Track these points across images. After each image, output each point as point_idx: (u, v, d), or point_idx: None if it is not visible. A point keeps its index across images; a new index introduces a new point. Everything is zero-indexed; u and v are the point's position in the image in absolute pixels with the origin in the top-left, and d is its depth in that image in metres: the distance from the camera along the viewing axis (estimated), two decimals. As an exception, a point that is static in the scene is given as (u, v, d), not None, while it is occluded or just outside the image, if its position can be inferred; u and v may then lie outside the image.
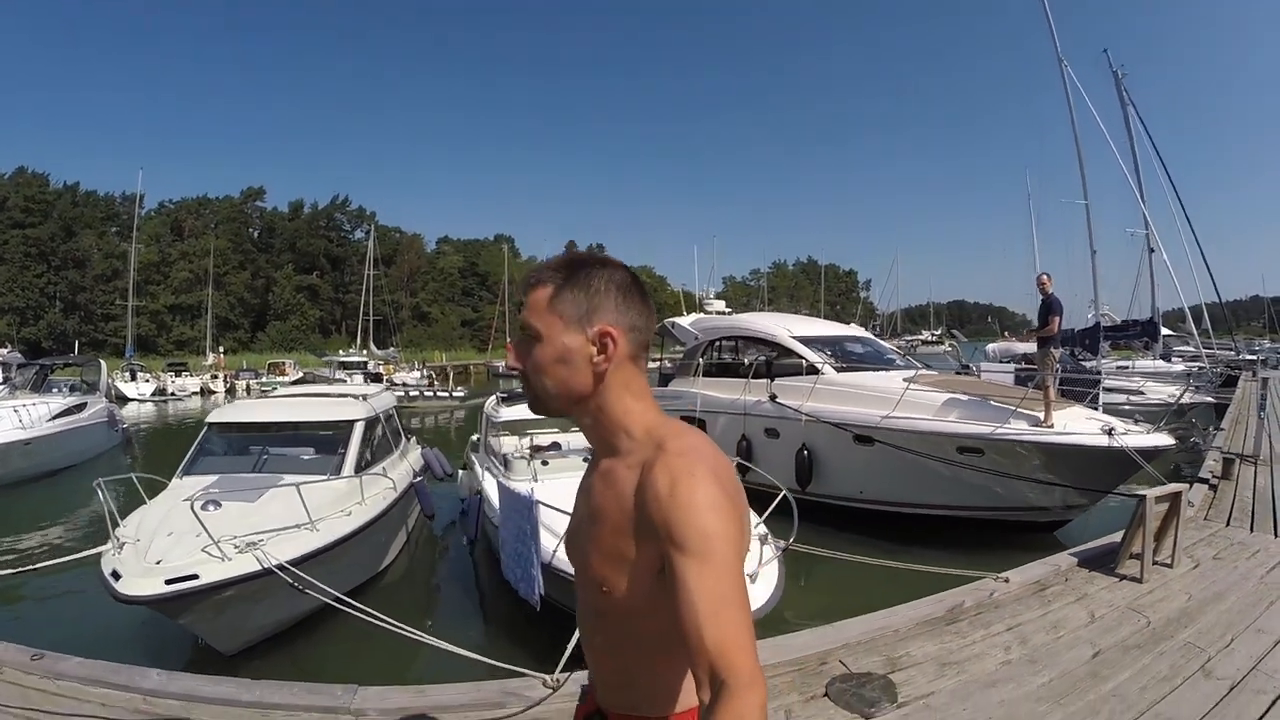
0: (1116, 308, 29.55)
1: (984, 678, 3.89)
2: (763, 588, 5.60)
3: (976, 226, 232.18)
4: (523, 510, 6.18)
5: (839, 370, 12.38)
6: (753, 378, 13.10)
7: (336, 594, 5.83)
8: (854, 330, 16.45)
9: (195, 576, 5.82)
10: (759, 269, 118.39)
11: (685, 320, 18.60)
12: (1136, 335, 21.07)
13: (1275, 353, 34.90)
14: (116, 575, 5.89)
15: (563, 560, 6.04)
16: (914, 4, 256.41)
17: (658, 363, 18.34)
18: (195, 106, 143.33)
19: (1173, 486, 6.03)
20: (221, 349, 62.51)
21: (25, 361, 27.08)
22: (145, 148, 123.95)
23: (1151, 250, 25.60)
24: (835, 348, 13.46)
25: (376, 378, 50.80)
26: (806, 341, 13.15)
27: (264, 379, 51.09)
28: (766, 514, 6.54)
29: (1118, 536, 6.05)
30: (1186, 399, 15.71)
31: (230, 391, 48.59)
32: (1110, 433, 9.00)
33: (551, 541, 5.95)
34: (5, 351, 36.37)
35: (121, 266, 74.49)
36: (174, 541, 6.31)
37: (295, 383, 47.69)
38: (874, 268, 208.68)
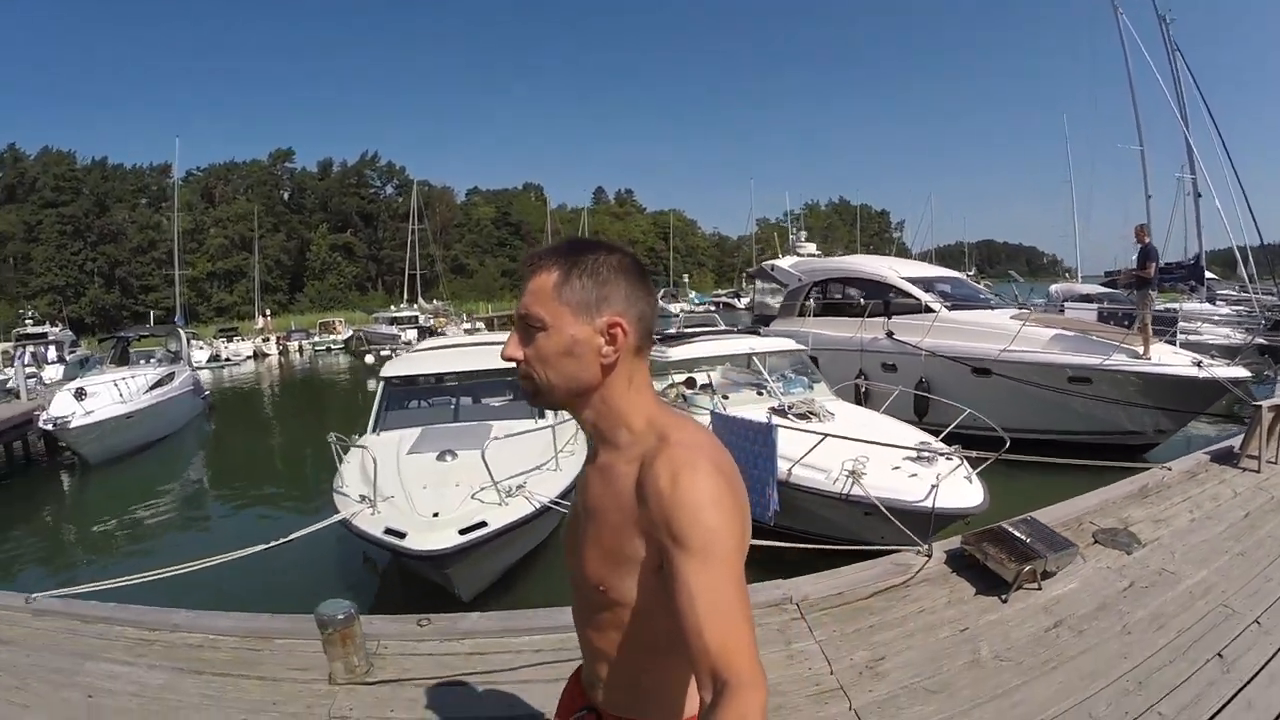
0: (1161, 250, 30.22)
1: (1184, 529, 5.34)
2: (976, 490, 6.77)
3: (1006, 165, 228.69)
4: (757, 435, 7.14)
5: (950, 309, 13.65)
6: (869, 316, 14.27)
7: None
8: (949, 272, 17.49)
9: (485, 524, 6.08)
10: (792, 210, 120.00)
11: (785, 262, 19.81)
12: (1183, 279, 22.17)
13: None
14: (398, 534, 6.03)
15: (798, 476, 7.23)
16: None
17: (745, 303, 19.63)
18: (215, 71, 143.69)
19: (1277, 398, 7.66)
20: (268, 311, 63.61)
21: (106, 336, 28.38)
22: (168, 116, 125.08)
23: (1199, 195, 26.20)
24: (939, 288, 14.64)
25: (429, 332, 52.12)
26: (915, 282, 14.37)
27: (315, 338, 52.57)
28: (946, 433, 7.90)
29: (1231, 443, 7.57)
30: (1238, 340, 16.87)
31: (284, 353, 49.53)
32: (1200, 365, 10.40)
33: (784, 464, 7.12)
34: (57, 330, 38.57)
35: (158, 237, 75.17)
36: (435, 494, 6.56)
37: (347, 341, 49.12)
38: (905, 208, 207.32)
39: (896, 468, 7.08)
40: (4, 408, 19.04)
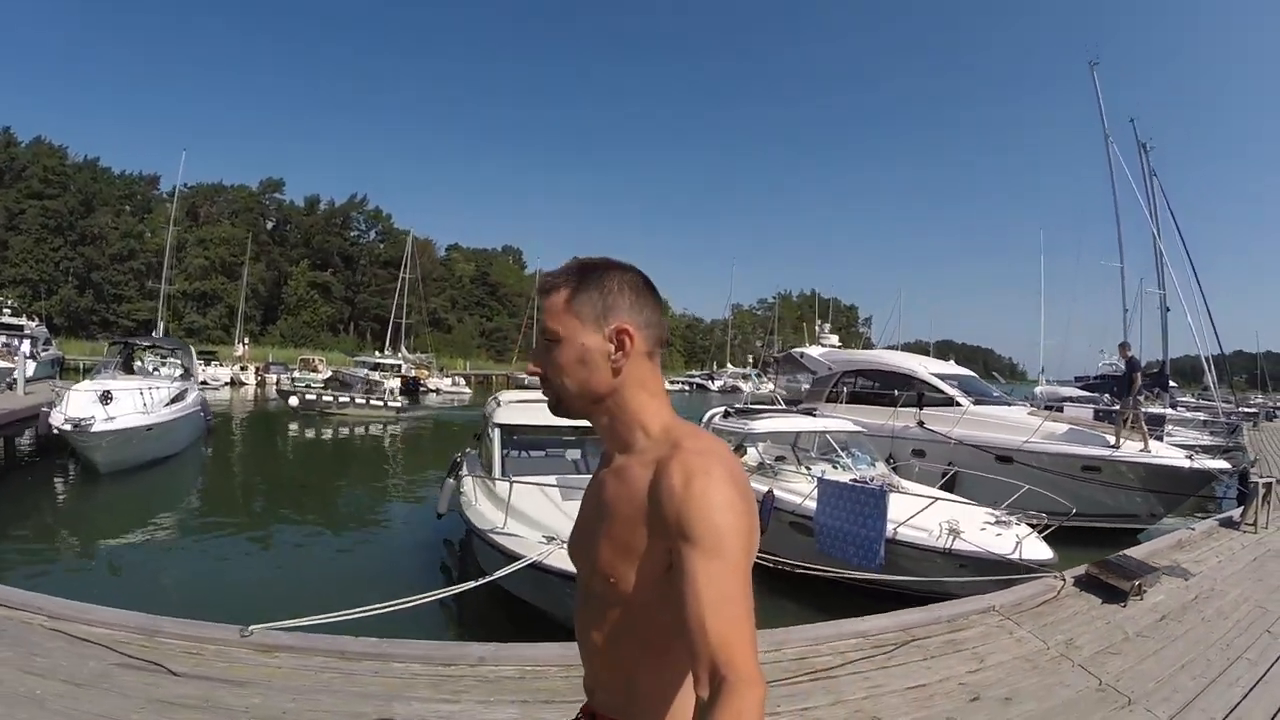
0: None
1: (1215, 566, 7.51)
2: (1046, 548, 8.32)
3: (973, 270, 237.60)
4: (869, 498, 8.81)
5: (974, 404, 15.60)
6: (901, 407, 16.20)
7: None
8: (965, 371, 19.31)
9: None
10: (765, 298, 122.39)
11: (815, 351, 21.99)
12: (1148, 385, 24.35)
13: (1268, 406, 39.85)
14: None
15: (904, 534, 8.73)
16: (946, 46, 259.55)
17: (771, 386, 21.32)
18: (213, 96, 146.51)
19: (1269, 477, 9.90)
20: (246, 341, 63.72)
21: (117, 340, 27.37)
22: (164, 129, 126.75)
23: (1167, 309, 28.63)
24: (960, 384, 16.65)
25: (413, 382, 52.36)
26: (941, 378, 16.45)
27: (295, 374, 51.07)
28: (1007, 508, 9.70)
29: (1231, 514, 9.92)
30: (1206, 441, 19.23)
31: (261, 385, 49.49)
32: (1191, 458, 12.62)
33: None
34: (34, 325, 37.86)
35: (138, 247, 75.82)
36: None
37: (327, 381, 49.78)
38: (873, 303, 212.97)
39: (983, 530, 8.78)
40: (6, 398, 18.86)
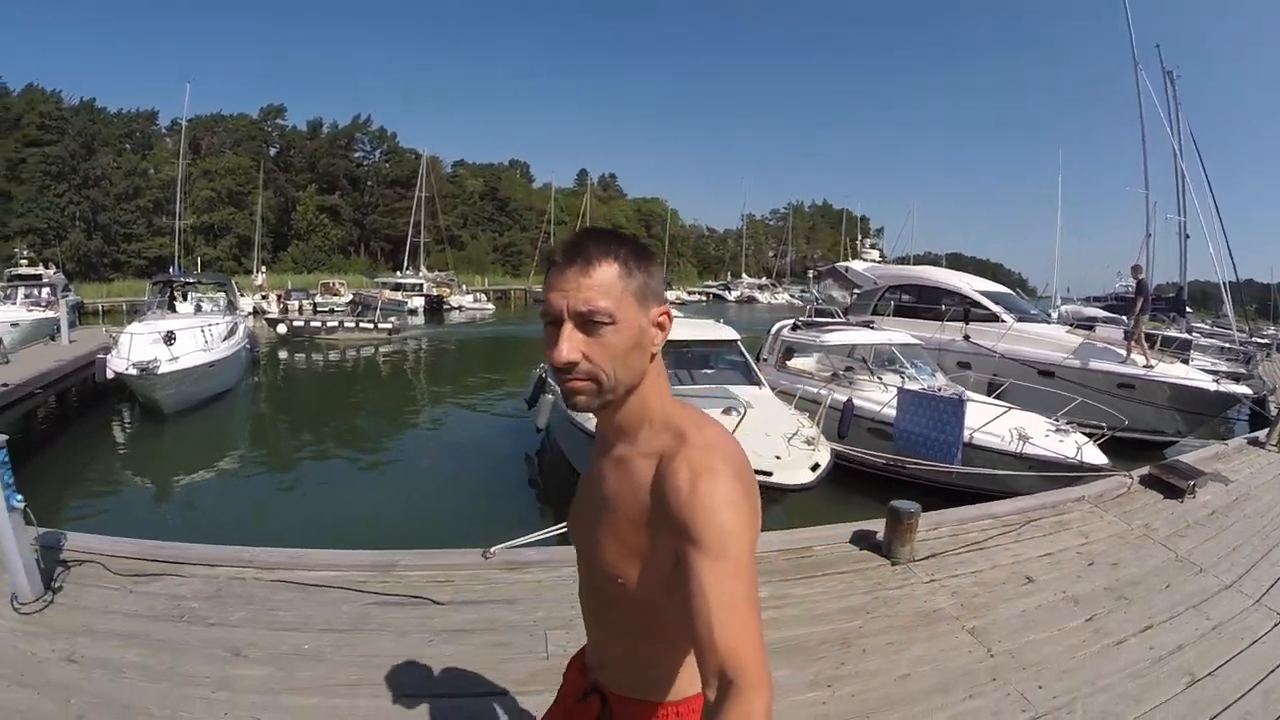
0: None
1: (1249, 475, 8.49)
2: (1101, 454, 9.58)
3: (977, 183, 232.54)
4: (948, 406, 10.03)
5: (1017, 320, 16.90)
6: (948, 321, 17.52)
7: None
8: (1005, 289, 20.32)
9: (818, 465, 7.94)
10: (777, 209, 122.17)
11: (860, 266, 23.14)
12: (1164, 310, 25.24)
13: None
14: (765, 473, 7.28)
15: (979, 439, 9.99)
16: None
17: (786, 296, 22.44)
18: (208, 19, 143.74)
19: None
20: (263, 269, 64.14)
21: (159, 278, 27.03)
22: (157, 63, 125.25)
23: (1187, 236, 29.63)
24: (1003, 301, 17.89)
25: (436, 301, 53.40)
26: (986, 295, 17.67)
27: (317, 299, 51.63)
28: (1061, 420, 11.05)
29: (1258, 434, 10.75)
30: (1224, 368, 20.22)
31: (284, 311, 48.53)
32: (1217, 380, 13.97)
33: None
34: (50, 273, 38.92)
35: (143, 185, 75.98)
36: (758, 442, 7.75)
37: (350, 303, 50.45)
38: (884, 213, 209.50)
39: (1047, 436, 10.08)
40: (52, 349, 19.07)
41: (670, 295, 57.35)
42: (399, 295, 52.38)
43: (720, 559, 1.20)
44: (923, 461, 9.88)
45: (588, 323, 1.30)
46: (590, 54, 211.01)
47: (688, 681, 1.48)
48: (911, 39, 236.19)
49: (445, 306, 55.14)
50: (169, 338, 16.11)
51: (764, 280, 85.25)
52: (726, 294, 69.96)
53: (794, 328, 15.16)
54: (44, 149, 72.11)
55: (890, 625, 4.36)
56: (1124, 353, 14.94)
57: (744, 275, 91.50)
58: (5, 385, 12.99)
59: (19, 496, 4.44)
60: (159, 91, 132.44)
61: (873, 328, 15.53)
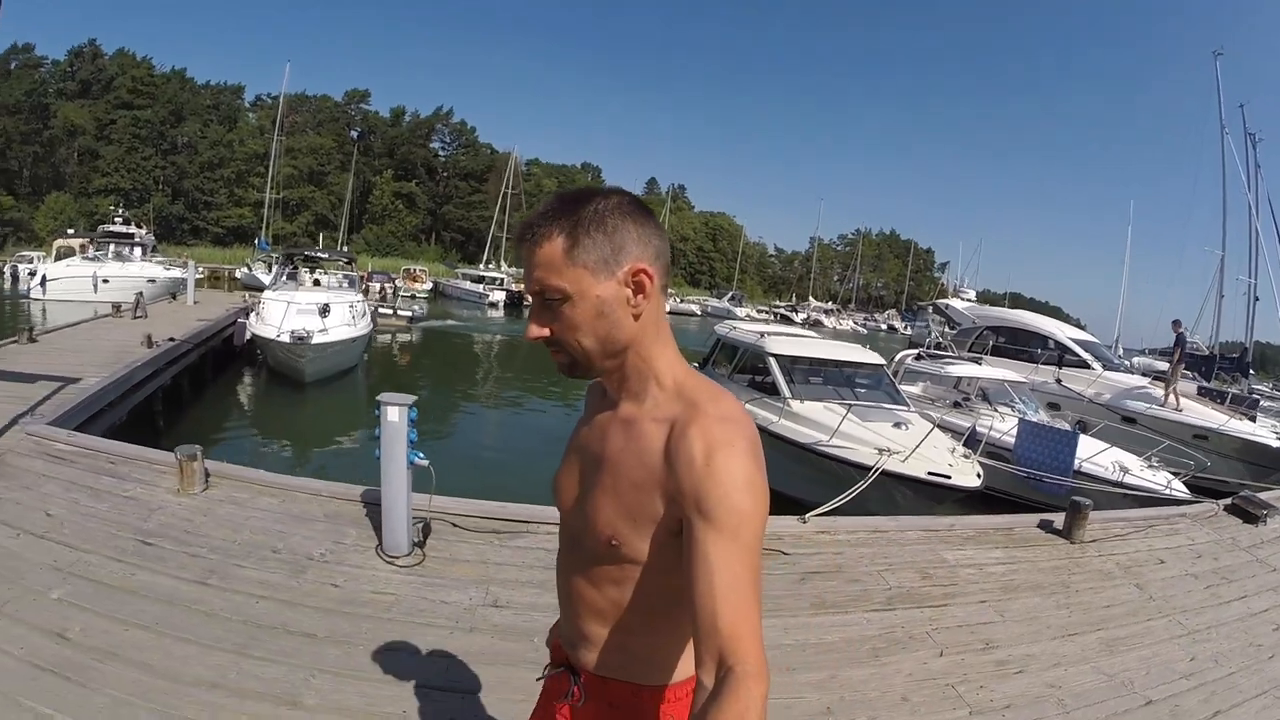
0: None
1: None
2: (1184, 489, 11.53)
3: (1041, 225, 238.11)
4: (1062, 437, 11.78)
5: (1104, 369, 19.02)
6: (1043, 364, 19.53)
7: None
8: (1094, 338, 22.27)
9: (980, 474, 9.89)
10: (844, 234, 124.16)
11: (960, 304, 25.16)
12: (1228, 369, 27.00)
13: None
14: (944, 475, 9.31)
15: (1087, 468, 11.53)
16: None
17: (851, 324, 24.41)
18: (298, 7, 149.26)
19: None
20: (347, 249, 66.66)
21: (290, 251, 27.66)
22: (241, 39, 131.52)
23: (1256, 299, 30.95)
24: (1092, 350, 19.80)
25: (516, 296, 54.46)
26: (1078, 343, 19.59)
27: (399, 284, 52.24)
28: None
29: None
30: None
31: (366, 294, 51.74)
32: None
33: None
34: (142, 233, 40.34)
35: (228, 155, 79.41)
36: (937, 450, 9.78)
37: (431, 292, 52.05)
38: (947, 246, 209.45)
39: (1142, 471, 11.95)
40: (178, 309, 20.89)
41: (740, 312, 59.60)
42: (479, 288, 54.54)
43: (732, 540, 1.19)
44: (1048, 477, 11.43)
45: (544, 301, 1.34)
46: (664, 62, 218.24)
47: (672, 666, 1.48)
48: (986, 70, 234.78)
49: (525, 303, 55.98)
50: (324, 310, 16.99)
51: (830, 305, 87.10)
52: (793, 315, 72.07)
53: (917, 358, 17.10)
54: (134, 112, 75.92)
55: (1087, 576, 6.38)
56: (1198, 405, 16.74)
57: (810, 299, 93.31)
58: (172, 340, 14.23)
59: (420, 454, 5.08)
60: (247, 67, 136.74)
61: (979, 364, 17.47)
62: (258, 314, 17.86)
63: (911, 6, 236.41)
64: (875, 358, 13.38)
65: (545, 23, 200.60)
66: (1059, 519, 7.59)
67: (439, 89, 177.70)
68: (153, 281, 28.09)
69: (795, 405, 11.56)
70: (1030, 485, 11.44)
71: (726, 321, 18.31)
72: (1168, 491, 11.17)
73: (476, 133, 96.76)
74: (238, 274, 47.51)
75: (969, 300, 30.26)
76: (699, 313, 74.02)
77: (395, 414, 4.99)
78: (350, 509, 5.97)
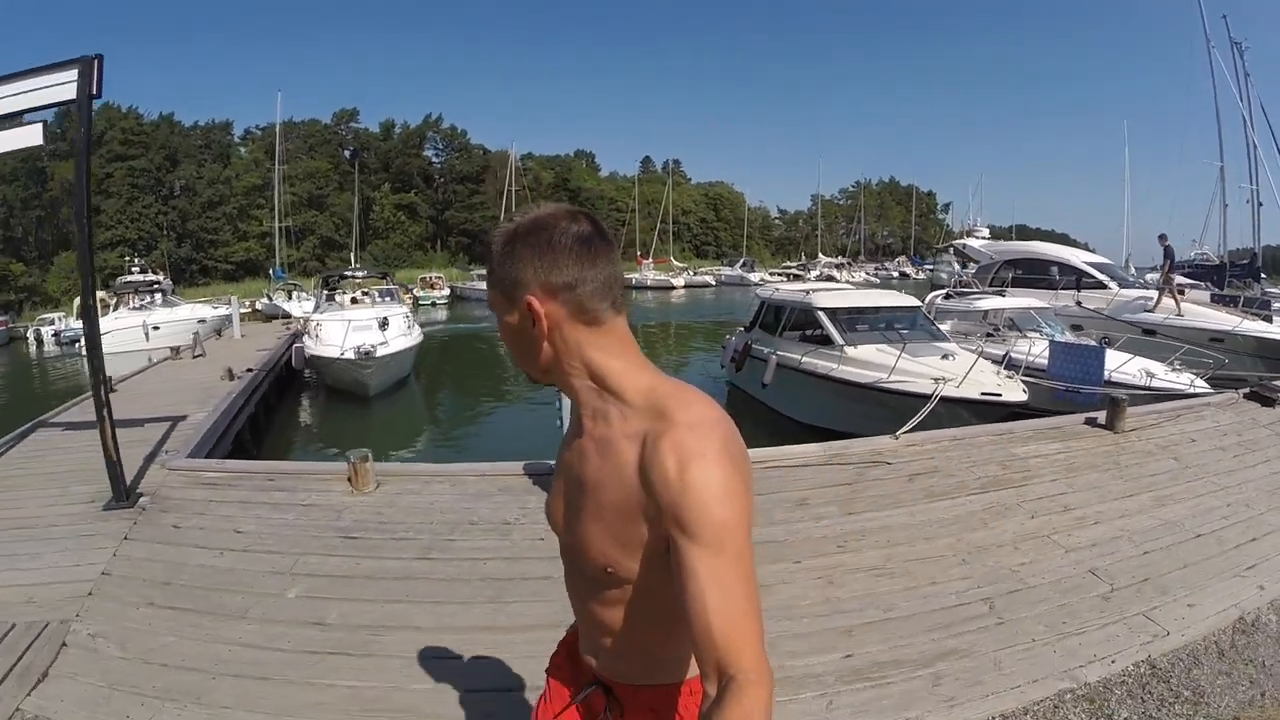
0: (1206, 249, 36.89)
1: None
2: (1206, 387, 12.76)
3: (1040, 155, 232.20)
4: (1091, 352, 12.95)
5: (1120, 287, 20.38)
6: (1062, 289, 20.75)
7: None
8: (1108, 259, 23.68)
9: (1024, 390, 11.37)
10: (845, 187, 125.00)
11: (976, 243, 26.60)
12: (1240, 275, 27.90)
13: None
14: (995, 394, 10.84)
15: (1116, 376, 12.69)
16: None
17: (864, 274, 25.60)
18: (265, 33, 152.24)
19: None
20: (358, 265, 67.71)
21: (329, 273, 29.97)
22: (223, 76, 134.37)
23: (1260, 204, 31.54)
24: (1107, 270, 21.10)
25: None
26: (1094, 265, 20.91)
27: (418, 293, 54.95)
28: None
29: None
30: None
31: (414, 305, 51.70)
32: None
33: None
34: (161, 279, 42.32)
35: (226, 192, 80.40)
36: (980, 376, 11.05)
37: (450, 297, 52.93)
38: (950, 188, 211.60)
39: (1166, 374, 13.13)
40: (231, 342, 22.31)
41: (754, 278, 60.91)
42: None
43: (718, 553, 1.19)
44: (1083, 388, 12.45)
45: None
46: (642, 36, 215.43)
47: (685, 663, 1.53)
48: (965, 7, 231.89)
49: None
50: (384, 324, 17.82)
51: (839, 259, 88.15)
52: (805, 273, 73.25)
53: (946, 297, 18.53)
54: (129, 163, 76.78)
55: (1132, 455, 7.73)
56: (1210, 311, 18.11)
57: (819, 255, 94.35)
58: (250, 371, 15.39)
59: None
60: (233, 102, 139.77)
61: (1004, 296, 18.75)
62: (313, 336, 18.58)
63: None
64: (912, 300, 14.87)
65: (523, 16, 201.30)
66: (1101, 415, 8.95)
67: (425, 97, 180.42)
68: (203, 321, 29.18)
69: (850, 351, 12.93)
70: (1067, 399, 12.40)
71: (767, 285, 19.51)
72: (1191, 389, 12.32)
73: (468, 135, 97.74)
74: (259, 305, 48.61)
75: (984, 238, 31.53)
76: (713, 283, 75.61)
77: (574, 395, 6.22)
78: (519, 482, 7.02)
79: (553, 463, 1.76)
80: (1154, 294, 20.03)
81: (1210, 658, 4.09)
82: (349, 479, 6.85)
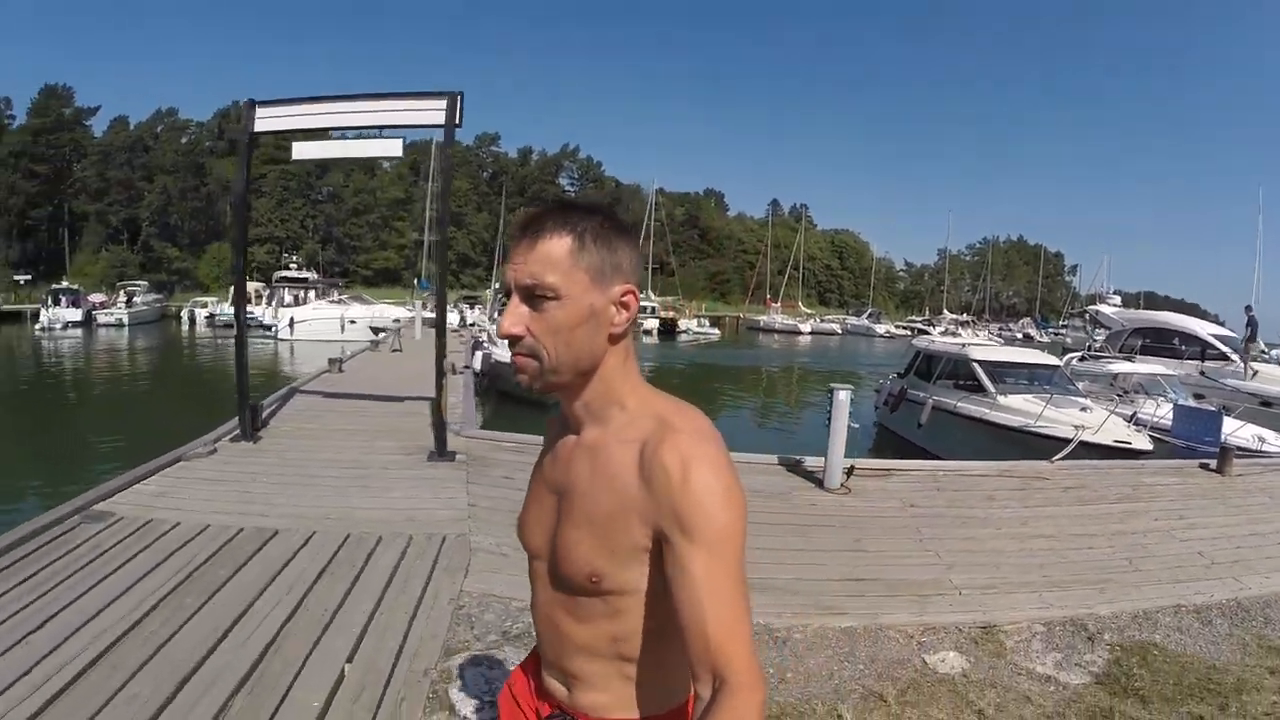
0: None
1: None
2: None
3: (1171, 221, 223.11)
4: (1209, 416, 14.39)
5: (1243, 361, 22.10)
6: (1187, 359, 22.29)
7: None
8: (1233, 333, 24.79)
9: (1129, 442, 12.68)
10: (973, 244, 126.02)
11: (1107, 310, 28.27)
12: None
13: None
14: (1126, 442, 12.61)
15: (1233, 440, 13.91)
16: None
17: (986, 333, 27.72)
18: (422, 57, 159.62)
19: None
20: (497, 284, 71.42)
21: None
22: (384, 85, 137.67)
23: None
24: (1231, 344, 22.56)
25: (669, 324, 59.16)
26: (1218, 338, 22.52)
27: None
28: None
29: None
30: None
31: None
32: None
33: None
34: (313, 276, 46.99)
35: (371, 202, 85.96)
36: (1119, 426, 13.08)
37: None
38: (1076, 249, 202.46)
39: (1276, 441, 14.88)
40: (416, 343, 24.71)
41: (880, 329, 62.83)
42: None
43: (715, 555, 1.22)
44: (1200, 446, 13.57)
45: (532, 297, 1.31)
46: (781, 83, 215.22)
47: (668, 691, 1.48)
48: (1101, 62, 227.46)
49: (677, 330, 60.63)
50: None
51: (965, 317, 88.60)
52: (930, 329, 74.53)
53: (1081, 359, 20.35)
54: (281, 166, 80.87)
55: (1237, 493, 9.60)
56: None
57: (944, 311, 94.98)
58: (466, 368, 17.47)
59: (855, 421, 10.48)
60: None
61: (1132, 361, 20.59)
62: (497, 344, 20.44)
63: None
64: (1054, 359, 17.09)
65: (658, 62, 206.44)
66: (1213, 462, 11.11)
67: (563, 126, 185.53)
68: (397, 321, 31.74)
69: (1001, 399, 14.86)
70: (1186, 454, 13.69)
71: (923, 337, 21.75)
72: None
73: (602, 167, 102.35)
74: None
75: (1115, 305, 33.23)
76: (839, 331, 77.37)
77: (844, 395, 8.86)
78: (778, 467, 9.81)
79: None
80: (1270, 368, 21.57)
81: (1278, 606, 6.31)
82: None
